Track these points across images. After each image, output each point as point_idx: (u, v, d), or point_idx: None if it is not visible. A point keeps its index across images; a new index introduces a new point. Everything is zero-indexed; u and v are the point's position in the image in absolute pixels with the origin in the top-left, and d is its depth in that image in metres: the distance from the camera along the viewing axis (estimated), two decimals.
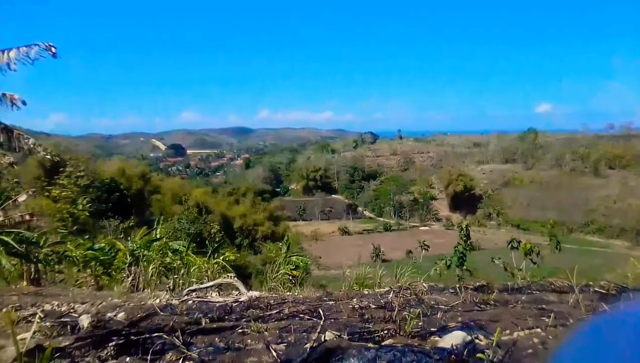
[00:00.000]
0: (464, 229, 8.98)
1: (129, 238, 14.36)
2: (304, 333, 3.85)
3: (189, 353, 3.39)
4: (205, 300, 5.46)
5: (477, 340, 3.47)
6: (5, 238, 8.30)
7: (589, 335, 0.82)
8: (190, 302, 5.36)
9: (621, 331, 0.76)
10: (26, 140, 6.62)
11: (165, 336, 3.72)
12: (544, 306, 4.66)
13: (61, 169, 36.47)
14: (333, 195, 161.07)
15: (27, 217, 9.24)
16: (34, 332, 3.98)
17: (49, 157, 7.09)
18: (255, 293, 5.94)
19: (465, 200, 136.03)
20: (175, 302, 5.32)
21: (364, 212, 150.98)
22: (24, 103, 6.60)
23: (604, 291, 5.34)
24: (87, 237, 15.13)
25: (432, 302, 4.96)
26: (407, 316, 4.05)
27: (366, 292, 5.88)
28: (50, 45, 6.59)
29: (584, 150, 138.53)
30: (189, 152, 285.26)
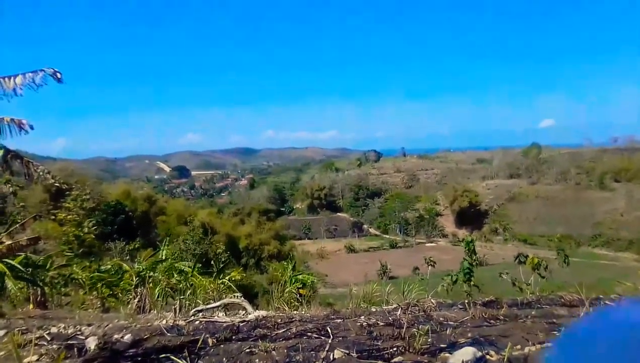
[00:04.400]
0: (469, 244, 8.88)
1: (135, 260, 14.35)
2: (312, 352, 3.82)
3: None
4: (212, 320, 5.42)
5: (488, 356, 3.42)
6: (12, 262, 8.30)
7: (578, 335, 0.83)
8: (197, 322, 5.32)
9: (609, 331, 0.77)
10: (35, 168, 6.68)
11: (172, 357, 3.69)
12: (554, 320, 4.61)
13: (67, 193, 36.65)
14: (338, 214, 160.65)
15: (34, 241, 9.26)
16: (41, 355, 3.96)
17: (57, 185, 7.15)
18: (262, 313, 5.90)
19: (471, 216, 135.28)
20: (181, 322, 5.29)
21: (370, 229, 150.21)
22: (31, 128, 6.68)
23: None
24: (93, 259, 15.15)
25: (441, 318, 4.91)
26: (416, 333, 4.00)
27: (374, 310, 5.83)
28: (55, 70, 6.70)
29: (588, 163, 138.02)
30: (193, 173, 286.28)
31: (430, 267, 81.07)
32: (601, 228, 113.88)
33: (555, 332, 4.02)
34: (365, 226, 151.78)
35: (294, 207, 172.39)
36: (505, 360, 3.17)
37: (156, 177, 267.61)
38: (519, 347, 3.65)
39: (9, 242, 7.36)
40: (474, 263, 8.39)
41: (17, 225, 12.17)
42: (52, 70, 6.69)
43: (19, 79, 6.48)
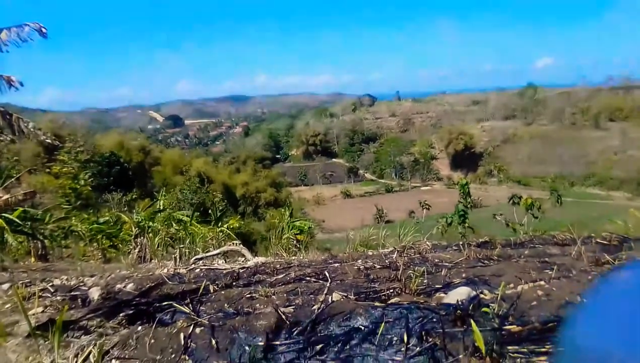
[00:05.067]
0: (464, 187, 8.96)
1: (133, 210, 14.44)
2: (311, 296, 3.90)
3: (199, 319, 3.44)
4: (212, 267, 5.52)
5: (482, 295, 3.51)
6: (10, 217, 8.34)
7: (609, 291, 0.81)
8: (198, 270, 5.42)
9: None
10: (26, 124, 6.54)
11: (175, 304, 3.77)
12: (546, 259, 4.70)
13: (59, 145, 36.31)
14: (333, 159, 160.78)
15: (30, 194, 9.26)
16: (45, 307, 4.04)
17: (49, 141, 7.03)
18: (261, 259, 6.00)
19: (465, 159, 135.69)
20: (182, 270, 5.38)
21: (365, 174, 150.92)
22: (21, 84, 6.50)
23: (605, 242, 5.37)
24: (91, 211, 15.21)
25: (436, 260, 5.01)
26: (411, 274, 4.09)
27: (370, 253, 5.93)
28: (40, 25, 6.46)
29: (583, 103, 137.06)
30: (187, 122, 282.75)
31: (425, 210, 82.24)
32: (594, 167, 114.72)
33: (547, 271, 4.11)
34: (360, 171, 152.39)
35: (290, 154, 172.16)
36: (498, 298, 3.25)
37: (149, 127, 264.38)
38: (512, 285, 3.74)
39: (6, 197, 7.34)
40: (468, 206, 8.52)
41: (13, 180, 12.11)
42: (37, 24, 6.44)
43: (3, 35, 6.24)
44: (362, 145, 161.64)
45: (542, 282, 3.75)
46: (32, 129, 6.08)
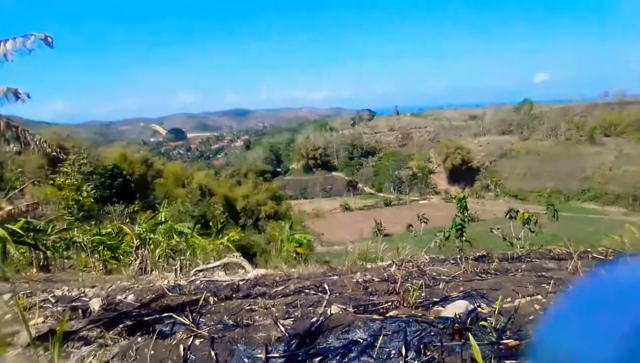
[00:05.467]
0: (461, 200, 8.96)
1: (134, 222, 14.41)
2: (310, 308, 3.89)
3: (199, 331, 3.42)
4: (213, 279, 5.50)
5: (479, 309, 3.50)
6: (13, 227, 8.31)
7: (580, 296, 0.82)
8: (198, 281, 5.40)
9: (609, 293, 0.76)
10: (32, 136, 6.54)
11: (175, 315, 3.75)
12: (543, 273, 4.69)
13: (64, 157, 36.38)
14: (333, 173, 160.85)
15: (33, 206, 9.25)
16: (46, 317, 4.02)
17: (54, 154, 7.02)
18: (261, 271, 5.98)
19: (463, 173, 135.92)
20: (183, 282, 5.36)
21: (364, 188, 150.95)
22: (28, 96, 6.51)
23: (601, 257, 5.37)
24: (94, 222, 15.17)
25: (434, 273, 4.99)
26: (409, 287, 4.08)
27: (369, 266, 5.91)
28: (46, 35, 6.47)
29: (579, 119, 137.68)
30: (189, 135, 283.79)
31: (423, 224, 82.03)
32: (590, 182, 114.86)
33: (544, 285, 4.09)
34: (360, 185, 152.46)
35: (290, 168, 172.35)
36: (496, 312, 3.24)
37: (152, 139, 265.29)
38: (509, 299, 3.73)
39: (9, 208, 7.33)
40: (465, 220, 8.49)
41: (16, 191, 12.11)
42: (43, 34, 6.47)
43: (9, 44, 6.27)
44: (361, 159, 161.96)
45: (539, 296, 3.73)
46: (37, 141, 6.08)
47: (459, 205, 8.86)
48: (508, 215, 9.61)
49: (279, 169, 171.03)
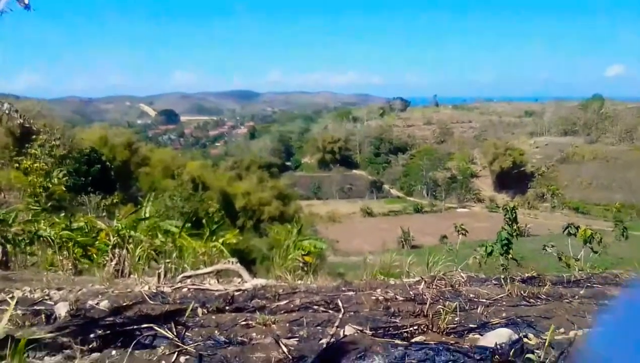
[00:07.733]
0: (510, 211, 8.88)
1: (112, 217, 14.55)
2: (319, 327, 3.89)
3: (185, 346, 3.44)
4: (202, 288, 5.54)
5: (525, 339, 3.47)
6: None
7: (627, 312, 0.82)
8: (185, 289, 5.44)
9: None
10: (0, 105, 6.65)
11: (156, 327, 3.78)
12: (606, 301, 4.64)
13: (33, 137, 36.89)
14: (354, 171, 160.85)
15: None
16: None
17: (27, 125, 7.12)
18: (261, 281, 6.00)
19: (513, 179, 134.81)
20: (166, 289, 5.40)
21: (391, 190, 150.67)
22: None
23: None
24: (64, 214, 15.35)
25: (471, 295, 4.96)
26: (441, 310, 4.06)
27: (392, 282, 5.90)
28: None
29: None
30: (183, 118, 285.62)
31: (461, 235, 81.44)
32: None
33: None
34: (385, 186, 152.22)
35: (302, 162, 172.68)
36: (546, 344, 3.20)
37: (139, 121, 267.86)
38: (562, 330, 3.69)
39: None
40: (513, 234, 8.41)
41: None
42: None
43: None
44: (389, 156, 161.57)
45: (595, 325, 3.69)
46: (7, 111, 6.16)
47: (506, 216, 8.79)
48: (566, 231, 9.49)
49: (288, 163, 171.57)
